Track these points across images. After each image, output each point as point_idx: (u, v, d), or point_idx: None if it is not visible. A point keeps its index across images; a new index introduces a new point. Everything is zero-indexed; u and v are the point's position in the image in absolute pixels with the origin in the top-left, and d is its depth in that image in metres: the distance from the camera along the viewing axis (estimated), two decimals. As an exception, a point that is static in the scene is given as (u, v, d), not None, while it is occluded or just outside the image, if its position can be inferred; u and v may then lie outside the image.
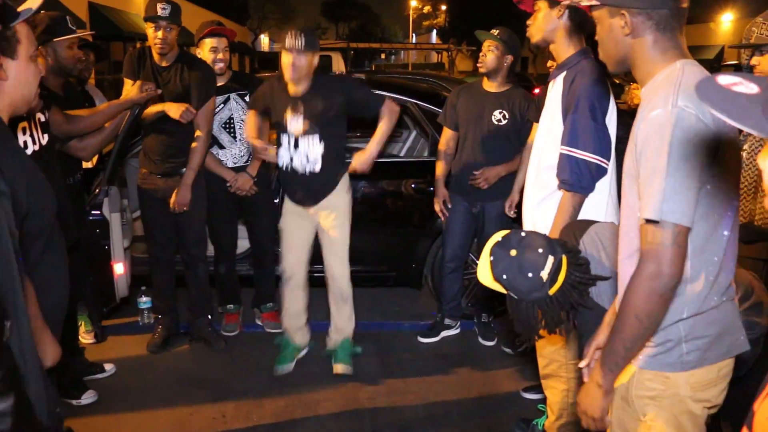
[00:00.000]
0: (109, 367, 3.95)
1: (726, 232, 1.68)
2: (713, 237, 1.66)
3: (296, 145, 3.73)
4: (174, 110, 3.81)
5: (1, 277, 1.44)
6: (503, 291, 2.08)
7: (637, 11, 1.69)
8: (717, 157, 1.58)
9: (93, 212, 3.96)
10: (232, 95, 4.26)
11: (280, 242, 3.99)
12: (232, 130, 4.29)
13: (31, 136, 2.70)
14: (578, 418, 2.91)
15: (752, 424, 1.03)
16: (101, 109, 3.71)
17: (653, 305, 1.60)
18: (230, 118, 4.27)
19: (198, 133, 3.98)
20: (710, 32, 30.25)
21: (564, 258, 2.02)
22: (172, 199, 3.96)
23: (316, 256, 4.30)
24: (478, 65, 4.15)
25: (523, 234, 2.07)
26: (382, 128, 3.79)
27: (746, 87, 0.93)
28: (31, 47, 1.93)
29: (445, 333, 4.49)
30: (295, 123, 3.69)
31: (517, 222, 3.71)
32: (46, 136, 2.85)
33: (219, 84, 4.22)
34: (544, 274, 1.98)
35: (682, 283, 1.64)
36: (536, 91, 4.83)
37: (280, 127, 3.76)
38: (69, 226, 2.65)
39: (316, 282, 4.67)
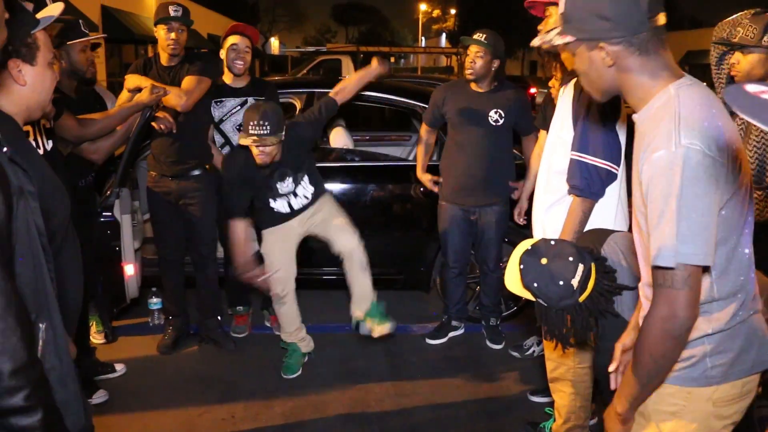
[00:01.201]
0: (119, 367, 3.98)
1: (747, 250, 1.66)
2: (735, 257, 1.63)
3: (295, 194, 3.90)
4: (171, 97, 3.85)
5: (32, 277, 1.46)
6: (532, 298, 2.10)
7: (616, 41, 1.61)
8: (727, 183, 1.54)
9: (104, 214, 3.99)
10: (250, 99, 4.27)
11: (264, 266, 3.91)
12: None
13: (35, 140, 2.73)
14: (586, 422, 2.94)
15: None
16: (113, 113, 3.74)
17: (668, 346, 1.57)
18: None
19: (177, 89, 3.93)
20: (719, 37, 30.09)
21: (593, 266, 2.05)
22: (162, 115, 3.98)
23: (309, 259, 4.37)
24: (467, 72, 4.10)
25: (552, 242, 2.09)
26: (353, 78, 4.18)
27: None
28: (49, 54, 1.96)
29: (452, 334, 4.51)
30: (286, 186, 3.85)
31: (526, 228, 3.72)
32: (50, 142, 2.87)
33: (238, 86, 4.26)
34: (575, 282, 2.01)
35: (708, 303, 1.62)
36: (532, 90, 4.85)
37: (270, 193, 3.86)
38: (77, 228, 2.67)
39: (314, 284, 4.72)
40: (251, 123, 3.48)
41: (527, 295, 2.10)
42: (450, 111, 4.17)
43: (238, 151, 3.83)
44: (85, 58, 3.69)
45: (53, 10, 1.99)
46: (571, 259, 2.01)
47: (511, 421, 3.55)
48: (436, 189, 4.32)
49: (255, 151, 3.57)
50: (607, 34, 1.61)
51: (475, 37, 4.03)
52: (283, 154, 3.72)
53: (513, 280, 2.12)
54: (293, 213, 3.92)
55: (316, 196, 3.96)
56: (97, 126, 3.57)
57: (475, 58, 4.02)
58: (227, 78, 4.28)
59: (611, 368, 1.97)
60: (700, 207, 1.49)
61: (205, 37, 26.95)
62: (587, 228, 2.66)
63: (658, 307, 1.56)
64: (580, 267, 2.01)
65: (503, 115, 4.08)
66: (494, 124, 4.08)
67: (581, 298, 2.03)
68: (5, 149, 1.48)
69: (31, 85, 1.90)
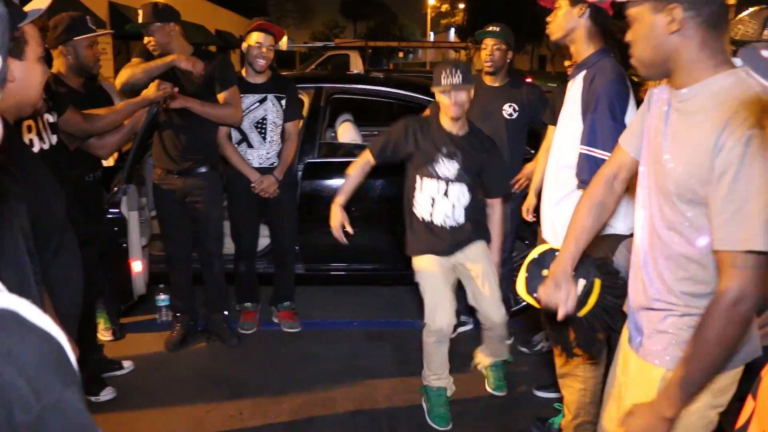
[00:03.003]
0: (127, 365, 3.98)
1: None
2: None
3: (447, 194, 3.49)
4: (185, 62, 3.86)
5: (16, 281, 1.44)
6: (537, 305, 2.10)
7: (688, 5, 1.56)
8: None
9: (111, 210, 3.99)
10: (270, 96, 4.26)
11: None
12: (263, 131, 4.27)
13: (38, 135, 2.71)
14: (595, 418, 2.91)
15: (758, 391, 1.02)
16: (119, 108, 3.73)
17: (738, 329, 1.55)
18: (264, 119, 4.26)
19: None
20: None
21: (597, 282, 2.03)
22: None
23: (316, 255, 4.37)
24: (486, 65, 4.14)
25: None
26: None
27: None
28: (39, 48, 1.92)
29: (461, 329, 4.48)
30: (447, 168, 3.47)
31: (536, 224, 3.69)
32: (55, 136, 2.86)
33: (258, 82, 4.25)
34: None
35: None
36: (528, 80, 4.84)
37: (427, 166, 3.49)
38: (79, 224, 2.65)
39: (321, 280, 4.70)
40: (443, 73, 3.31)
41: (533, 302, 2.10)
42: None
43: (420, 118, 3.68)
44: (92, 53, 3.69)
45: (41, 2, 1.96)
46: (572, 273, 2.00)
47: (520, 417, 3.53)
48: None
49: (447, 102, 3.35)
50: None
51: (491, 29, 4.09)
52: (469, 133, 3.51)
53: (521, 287, 2.12)
54: (432, 224, 3.49)
55: (470, 227, 3.51)
56: (103, 121, 3.57)
57: (492, 50, 4.09)
58: (247, 74, 4.27)
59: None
60: None
61: (213, 33, 26.96)
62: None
63: (732, 289, 1.52)
64: (581, 282, 2.01)
65: (517, 109, 4.10)
66: (508, 117, 4.09)
67: (581, 313, 2.01)
68: None
69: (20, 80, 1.84)
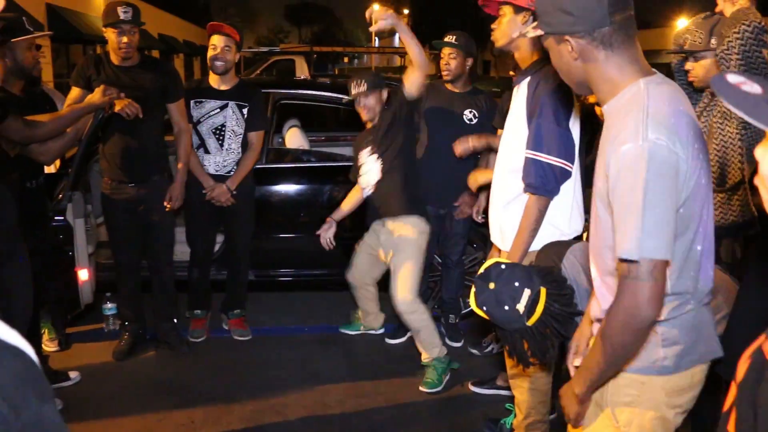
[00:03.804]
0: (74, 375, 3.89)
1: (698, 247, 1.68)
2: (690, 254, 1.66)
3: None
4: (120, 105, 3.74)
5: None
6: (486, 318, 2.17)
7: (578, 35, 1.67)
8: (687, 181, 1.57)
9: (56, 218, 3.90)
10: (231, 103, 4.22)
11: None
12: (221, 138, 4.23)
13: None
14: (546, 417, 2.98)
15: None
16: (63, 114, 3.65)
17: (629, 338, 1.60)
18: (222, 126, 4.22)
19: (177, 128, 4.04)
20: (665, 37, 30.82)
21: (543, 290, 2.09)
22: (170, 204, 4.04)
23: (265, 260, 4.46)
24: (443, 73, 4.22)
25: (503, 267, 2.16)
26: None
27: (750, 87, 0.97)
28: None
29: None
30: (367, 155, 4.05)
31: (484, 226, 3.77)
32: None
33: (221, 88, 4.22)
34: (521, 307, 2.08)
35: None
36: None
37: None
38: (26, 231, 2.60)
39: (272, 286, 4.70)
40: (352, 84, 3.94)
41: (484, 315, 2.17)
42: (428, 108, 4.27)
43: None
44: (31, 56, 3.59)
45: None
46: (517, 284, 2.09)
47: (472, 418, 3.58)
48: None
49: (359, 108, 4.00)
50: (570, 28, 1.68)
51: (447, 39, 4.19)
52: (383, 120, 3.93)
53: (472, 301, 2.21)
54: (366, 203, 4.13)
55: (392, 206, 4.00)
56: (46, 128, 3.48)
57: (448, 59, 4.18)
58: (211, 79, 4.24)
59: (576, 362, 2.01)
60: (664, 202, 1.52)
61: (155, 37, 26.53)
62: (543, 226, 2.71)
63: (623, 299, 1.58)
64: (527, 292, 2.08)
65: (477, 115, 4.20)
66: (468, 123, 4.18)
67: (530, 322, 2.08)
68: None
69: None
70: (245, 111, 4.24)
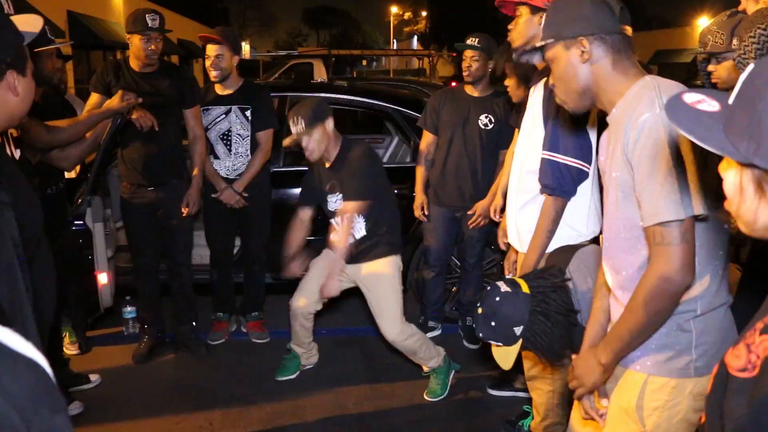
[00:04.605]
0: (94, 378, 3.93)
1: (726, 226, 1.72)
2: (718, 230, 1.70)
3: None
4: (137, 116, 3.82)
5: (7, 289, 1.44)
6: (498, 346, 2.25)
7: (593, 37, 1.77)
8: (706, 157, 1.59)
9: (76, 222, 3.94)
10: (234, 108, 4.26)
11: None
12: (228, 143, 4.28)
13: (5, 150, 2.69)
14: (564, 419, 2.96)
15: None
16: (82, 119, 3.69)
17: (663, 304, 1.64)
18: (229, 131, 4.27)
19: (192, 135, 4.06)
20: (686, 36, 30.59)
21: (522, 281, 2.21)
22: (186, 210, 4.04)
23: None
24: (465, 75, 4.20)
25: (488, 288, 2.27)
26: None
27: (709, 105, 0.98)
28: (31, 64, 1.95)
29: (428, 335, 4.51)
30: (335, 201, 3.68)
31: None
32: (18, 151, 2.84)
33: (224, 93, 4.26)
34: (498, 298, 2.18)
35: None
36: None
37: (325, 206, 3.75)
38: (46, 236, 2.65)
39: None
40: (291, 123, 3.48)
41: (493, 344, 2.26)
42: (444, 113, 4.26)
43: None
44: (52, 64, 3.64)
45: (34, 26, 1.98)
46: (488, 288, 2.22)
47: (490, 420, 3.57)
48: (422, 219, 4.37)
49: (303, 147, 3.53)
50: (586, 30, 1.78)
51: (469, 41, 4.16)
52: (340, 160, 3.59)
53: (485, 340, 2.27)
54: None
55: (370, 248, 3.67)
56: (65, 133, 3.52)
57: (471, 62, 4.16)
58: (216, 85, 4.29)
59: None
60: (691, 161, 1.57)
61: (175, 42, 26.73)
62: (560, 227, 2.69)
63: (657, 266, 1.62)
64: (499, 284, 2.21)
65: (493, 120, 4.17)
66: (483, 127, 4.16)
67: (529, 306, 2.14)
68: None
69: (22, 95, 1.88)
70: (248, 113, 4.28)
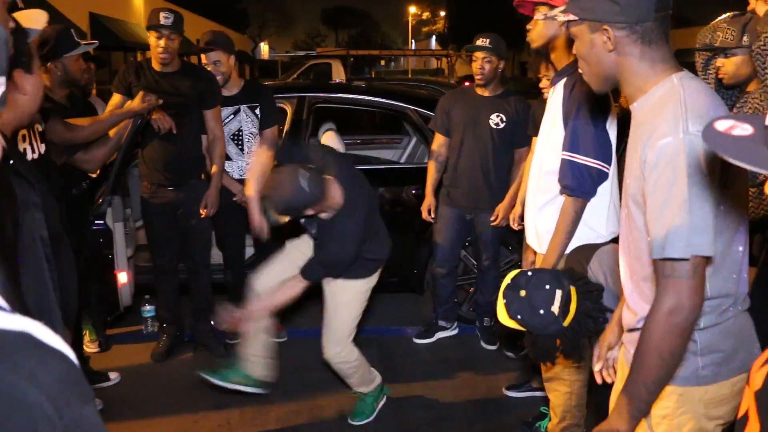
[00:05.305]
0: (113, 376, 3.96)
1: (740, 248, 1.64)
2: (729, 254, 1.62)
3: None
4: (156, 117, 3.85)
5: (35, 286, 1.47)
6: (522, 329, 2.16)
7: (620, 26, 1.61)
8: (729, 177, 1.53)
9: (96, 222, 3.98)
10: (243, 107, 4.28)
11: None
12: (240, 143, 4.30)
13: (31, 144, 2.73)
14: (581, 420, 2.94)
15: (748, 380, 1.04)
16: (102, 118, 3.74)
17: (676, 341, 1.54)
18: (239, 131, 4.29)
19: (212, 135, 4.07)
20: (708, 35, 30.33)
21: (573, 289, 2.08)
22: (205, 210, 4.04)
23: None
24: (476, 77, 4.16)
25: (530, 273, 2.16)
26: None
27: (742, 129, 0.94)
28: (38, 60, 1.97)
29: (440, 334, 4.53)
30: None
31: (521, 231, 3.73)
32: (43, 145, 2.88)
33: (230, 94, 4.26)
34: (555, 308, 2.07)
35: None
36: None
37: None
38: (69, 235, 2.68)
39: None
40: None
41: (516, 326, 2.17)
42: (455, 114, 4.24)
43: None
44: (79, 66, 3.70)
45: (38, 22, 1.99)
46: (547, 287, 2.09)
47: (507, 421, 3.56)
48: (429, 220, 4.32)
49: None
50: (613, 17, 1.62)
51: (479, 42, 4.10)
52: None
53: (502, 314, 2.20)
54: None
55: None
56: (85, 131, 3.56)
57: (483, 63, 4.11)
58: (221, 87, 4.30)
59: (596, 368, 1.99)
60: (708, 197, 1.48)
61: (194, 42, 26.89)
62: (579, 228, 2.68)
63: (665, 299, 1.52)
64: (558, 293, 2.08)
65: (504, 119, 4.13)
66: (495, 127, 4.13)
67: (566, 322, 2.07)
68: (11, 161, 1.49)
69: (30, 92, 1.90)
70: (257, 111, 4.30)
